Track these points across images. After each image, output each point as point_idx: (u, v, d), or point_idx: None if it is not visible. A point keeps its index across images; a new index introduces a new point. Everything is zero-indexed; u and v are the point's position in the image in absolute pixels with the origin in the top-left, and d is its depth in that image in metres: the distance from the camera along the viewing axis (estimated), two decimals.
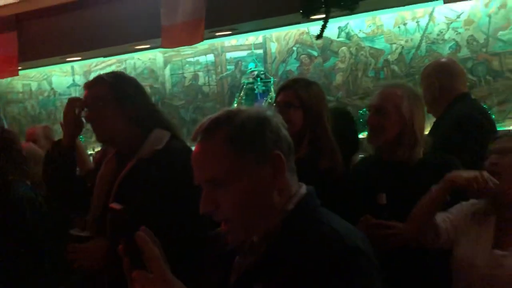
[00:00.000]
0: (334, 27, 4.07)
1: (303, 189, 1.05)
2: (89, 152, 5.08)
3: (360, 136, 3.97)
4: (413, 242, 1.72)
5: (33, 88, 6.09)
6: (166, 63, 5.08)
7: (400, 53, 3.88)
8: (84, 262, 1.66)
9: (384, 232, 1.75)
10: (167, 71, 5.10)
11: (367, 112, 3.90)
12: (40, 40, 4.01)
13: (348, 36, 4.09)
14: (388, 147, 1.88)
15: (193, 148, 1.52)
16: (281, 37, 4.41)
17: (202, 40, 3.17)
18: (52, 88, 5.95)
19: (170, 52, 4.81)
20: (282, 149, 1.00)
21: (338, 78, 4.19)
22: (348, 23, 4.04)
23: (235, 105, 4.61)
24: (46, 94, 6.01)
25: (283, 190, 1.00)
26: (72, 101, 1.79)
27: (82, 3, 3.77)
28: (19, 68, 4.13)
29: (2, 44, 4.00)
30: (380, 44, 3.96)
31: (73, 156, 1.80)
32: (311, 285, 0.90)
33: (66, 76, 5.77)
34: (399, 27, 3.87)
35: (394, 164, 1.87)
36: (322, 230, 0.96)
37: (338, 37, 4.13)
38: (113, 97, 1.70)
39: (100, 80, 1.75)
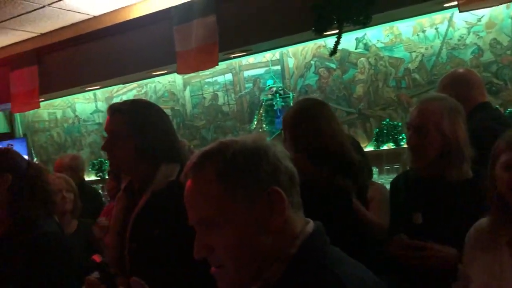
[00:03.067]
0: (351, 39, 4.00)
1: (310, 227, 0.92)
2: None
3: (385, 147, 3.92)
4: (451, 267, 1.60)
5: (58, 116, 6.23)
6: (185, 85, 5.11)
7: (421, 61, 3.78)
8: None
9: (418, 254, 1.67)
10: (187, 93, 5.12)
11: (390, 122, 3.87)
12: (60, 72, 4.09)
13: (366, 47, 4.01)
14: (430, 166, 1.78)
15: None
16: (298, 52, 4.37)
17: (217, 64, 3.16)
18: (76, 115, 6.06)
19: (189, 74, 4.84)
20: (281, 183, 0.88)
21: (359, 90, 4.11)
22: (365, 34, 3.96)
23: (255, 122, 4.58)
24: (70, 121, 6.13)
25: (284, 231, 0.88)
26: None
27: (98, 34, 3.83)
28: (41, 99, 4.21)
29: (23, 79, 4.10)
30: (399, 53, 3.87)
31: None
32: None
33: (89, 103, 5.88)
34: (418, 34, 3.77)
35: (432, 181, 1.78)
36: (325, 278, 0.85)
37: (356, 48, 4.06)
38: (128, 130, 1.68)
39: (117, 111, 1.72)
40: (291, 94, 4.41)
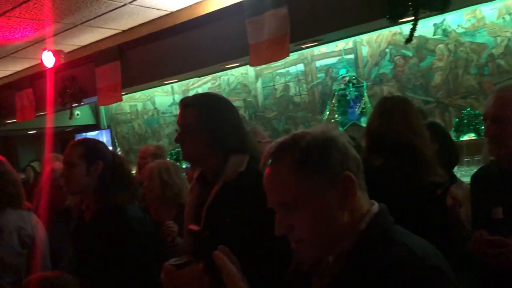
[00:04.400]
0: (429, 24, 3.83)
1: (375, 207, 1.03)
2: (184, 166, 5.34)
3: (465, 138, 3.72)
4: None
5: (139, 109, 6.57)
6: (257, 76, 5.17)
7: (507, 46, 3.53)
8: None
9: (498, 251, 1.59)
10: (258, 84, 5.18)
11: (471, 112, 3.66)
12: (141, 66, 4.30)
13: (445, 33, 3.82)
14: (510, 158, 1.69)
15: None
16: (372, 40, 4.26)
17: (288, 55, 3.16)
18: (155, 108, 6.36)
19: (261, 65, 4.89)
20: (350, 168, 0.99)
21: (437, 78, 3.93)
22: (444, 19, 3.77)
23: (327, 113, 4.54)
24: (150, 113, 6.44)
25: (355, 210, 0.99)
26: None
27: (175, 29, 3.97)
28: (124, 93, 4.46)
29: (108, 74, 4.36)
30: (482, 38, 3.64)
31: None
32: None
33: (167, 96, 6.14)
34: (503, 18, 3.52)
35: None
36: (396, 249, 0.94)
37: (434, 35, 3.88)
38: (199, 124, 1.72)
39: (188, 105, 1.77)
40: (364, 84, 4.32)
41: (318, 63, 4.67)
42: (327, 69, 4.62)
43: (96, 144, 2.28)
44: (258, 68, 5.02)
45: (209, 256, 0.99)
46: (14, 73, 5.72)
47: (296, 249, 1.02)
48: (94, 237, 2.15)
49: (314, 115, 4.74)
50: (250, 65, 3.47)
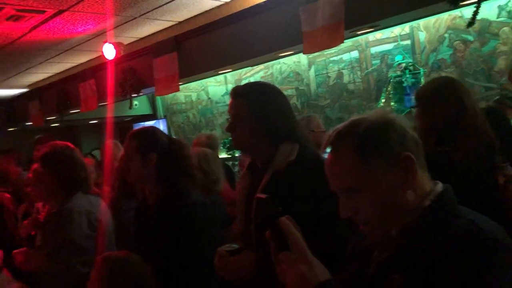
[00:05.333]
0: (493, 7, 3.66)
1: (439, 186, 1.05)
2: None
3: None
4: None
5: (193, 99, 6.73)
6: (310, 64, 5.15)
7: None
8: (235, 274, 1.71)
9: None
10: (311, 72, 5.16)
11: None
12: (196, 57, 4.39)
13: (511, 15, 3.63)
14: None
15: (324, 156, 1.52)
16: (430, 25, 4.12)
17: (343, 42, 3.12)
18: (209, 98, 6.49)
19: (314, 53, 4.86)
20: (410, 149, 1.01)
21: (501, 63, 3.76)
22: (509, 1, 3.59)
23: (383, 100, 4.45)
24: (204, 103, 6.58)
25: (417, 189, 1.02)
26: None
27: (229, 19, 4.02)
28: (180, 83, 4.57)
29: (165, 65, 4.49)
30: None
31: None
32: (449, 276, 0.90)
33: (220, 86, 6.24)
34: None
35: None
36: (461, 223, 0.96)
37: (498, 17, 3.70)
38: (249, 113, 1.75)
39: (238, 94, 1.81)
40: (421, 70, 4.20)
41: (373, 50, 4.59)
42: (383, 55, 4.52)
43: (150, 135, 2.34)
44: (310, 56, 4.99)
45: (276, 223, 1.04)
46: (78, 65, 5.99)
47: (363, 230, 1.06)
48: (157, 222, 2.24)
49: (369, 103, 4.67)
50: (303, 53, 3.46)
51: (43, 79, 6.77)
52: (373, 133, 1.02)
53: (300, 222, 1.56)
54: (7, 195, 4.11)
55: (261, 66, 5.49)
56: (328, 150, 1.09)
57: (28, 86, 7.17)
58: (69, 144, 2.71)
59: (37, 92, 6.86)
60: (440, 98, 2.12)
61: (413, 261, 0.96)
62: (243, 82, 5.55)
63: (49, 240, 2.58)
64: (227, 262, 1.70)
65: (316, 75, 5.12)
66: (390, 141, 1.01)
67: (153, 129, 2.42)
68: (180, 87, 4.60)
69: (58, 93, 6.21)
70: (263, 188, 1.71)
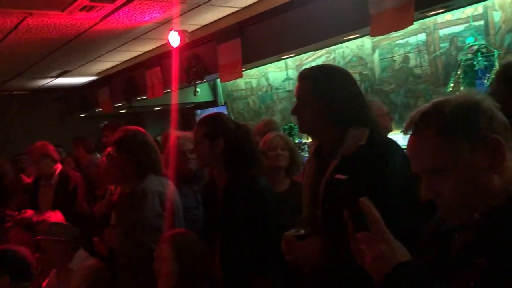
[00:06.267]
0: None
1: None
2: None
3: None
4: None
5: (254, 85, 6.77)
6: (374, 48, 5.02)
7: None
8: (301, 259, 1.72)
9: None
10: (375, 56, 5.03)
11: None
12: (260, 43, 4.41)
13: None
14: None
15: (395, 140, 1.56)
16: (506, 4, 3.88)
17: (412, 24, 3.02)
18: (269, 84, 6.51)
19: (379, 37, 4.73)
20: (497, 131, 0.99)
21: None
22: None
23: (451, 85, 4.26)
24: (264, 89, 6.61)
25: (505, 173, 0.99)
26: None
27: (292, 4, 4.00)
28: (243, 69, 4.62)
29: (228, 51, 4.54)
30: None
31: None
32: None
33: (281, 72, 6.24)
34: None
35: None
36: None
37: None
38: (313, 96, 1.72)
39: (305, 76, 1.79)
40: (495, 52, 3.97)
41: (442, 32, 4.39)
42: (452, 38, 4.32)
43: (217, 121, 2.41)
44: (375, 39, 4.86)
45: (355, 203, 1.05)
46: (144, 53, 6.20)
47: (445, 213, 1.05)
48: (227, 205, 2.31)
49: (437, 87, 4.49)
50: (370, 35, 3.39)
51: (112, 67, 7.07)
52: (460, 114, 1.00)
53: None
54: (78, 173, 4.36)
55: (323, 51, 5.42)
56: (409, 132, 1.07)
57: (97, 74, 7.52)
58: (140, 128, 2.83)
59: (106, 79, 7.19)
60: None
61: (499, 246, 0.94)
62: (304, 67, 5.52)
63: (123, 219, 2.73)
64: (294, 246, 1.71)
65: (380, 59, 4.99)
66: (478, 122, 0.99)
67: (221, 115, 2.48)
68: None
69: (126, 80, 6.47)
70: (330, 174, 1.68)
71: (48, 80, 7.67)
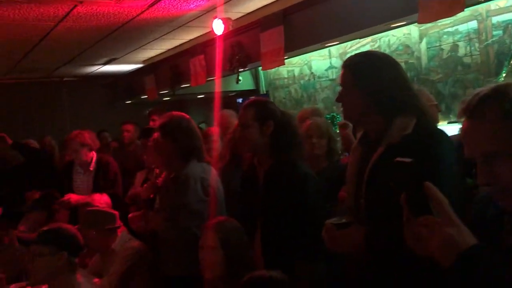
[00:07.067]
0: None
1: None
2: None
3: None
4: None
5: (296, 74, 6.73)
6: (421, 36, 4.87)
7: None
8: (342, 247, 1.72)
9: None
10: (422, 45, 4.88)
11: None
12: (303, 30, 4.38)
13: None
14: None
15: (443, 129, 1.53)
16: None
17: (463, 10, 2.91)
18: (311, 72, 6.45)
19: (427, 24, 4.58)
20: None
21: None
22: None
23: (504, 74, 4.09)
24: (306, 78, 6.56)
25: None
26: None
27: None
28: (285, 57, 4.60)
29: (271, 38, 4.54)
30: None
31: None
32: None
33: (324, 60, 6.17)
34: None
35: None
36: None
37: None
38: (356, 83, 1.70)
39: (350, 63, 1.76)
40: None
41: (495, 19, 4.20)
42: (506, 25, 4.13)
43: (266, 104, 2.43)
44: (422, 27, 4.72)
45: (418, 187, 1.04)
46: (188, 41, 6.29)
47: (501, 198, 1.04)
48: (269, 192, 2.32)
49: (487, 77, 4.31)
50: (418, 22, 3.29)
51: (157, 55, 7.21)
52: None
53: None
54: (111, 157, 4.53)
55: (368, 39, 5.31)
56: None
57: (143, 61, 7.70)
58: (185, 114, 2.89)
59: (152, 67, 7.35)
60: None
61: None
62: (348, 56, 5.43)
63: (166, 203, 2.80)
64: (334, 235, 1.71)
65: (428, 48, 4.84)
66: None
67: (267, 99, 2.50)
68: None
69: (171, 68, 6.59)
70: (375, 162, 1.67)
71: (97, 67, 7.92)
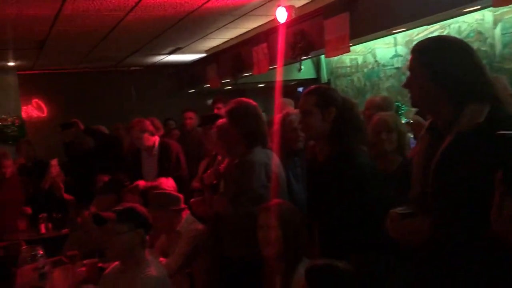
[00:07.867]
0: None
1: None
2: None
3: None
4: None
5: (359, 62, 6.59)
6: (496, 22, 4.60)
7: None
8: (406, 237, 1.69)
9: None
10: (497, 31, 4.61)
11: None
12: (368, 17, 4.28)
13: None
14: None
15: None
16: None
17: None
18: (376, 61, 6.29)
19: (502, 9, 4.32)
20: None
21: None
22: None
23: None
24: (370, 66, 6.41)
25: None
26: None
27: None
28: (350, 44, 4.52)
29: (336, 25, 4.47)
30: None
31: None
32: None
33: (389, 48, 5.99)
34: None
35: None
36: None
37: None
38: (426, 69, 1.64)
39: (418, 48, 1.70)
40: None
41: None
42: None
43: (327, 90, 2.41)
44: (497, 12, 4.45)
45: None
46: (251, 30, 6.32)
47: None
48: (328, 179, 2.31)
49: None
50: (493, 6, 3.12)
51: (219, 44, 7.31)
52: None
53: (485, 190, 1.45)
54: (172, 141, 4.69)
55: (436, 26, 5.08)
56: None
57: (206, 51, 7.84)
58: (252, 101, 2.93)
59: (214, 56, 7.47)
60: None
61: None
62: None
63: (231, 187, 2.87)
64: (398, 225, 1.67)
65: (502, 34, 4.56)
66: None
67: (329, 86, 2.48)
68: None
69: (233, 57, 6.67)
70: (444, 151, 1.60)
71: (162, 56, 8.17)
